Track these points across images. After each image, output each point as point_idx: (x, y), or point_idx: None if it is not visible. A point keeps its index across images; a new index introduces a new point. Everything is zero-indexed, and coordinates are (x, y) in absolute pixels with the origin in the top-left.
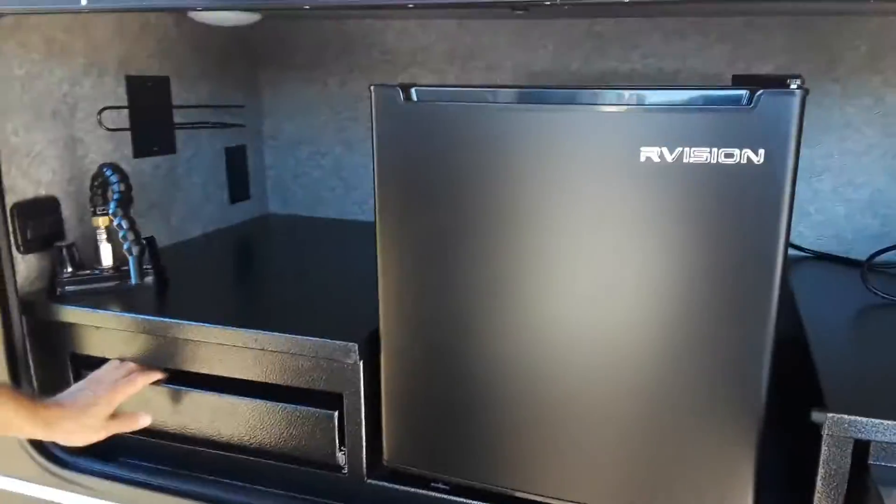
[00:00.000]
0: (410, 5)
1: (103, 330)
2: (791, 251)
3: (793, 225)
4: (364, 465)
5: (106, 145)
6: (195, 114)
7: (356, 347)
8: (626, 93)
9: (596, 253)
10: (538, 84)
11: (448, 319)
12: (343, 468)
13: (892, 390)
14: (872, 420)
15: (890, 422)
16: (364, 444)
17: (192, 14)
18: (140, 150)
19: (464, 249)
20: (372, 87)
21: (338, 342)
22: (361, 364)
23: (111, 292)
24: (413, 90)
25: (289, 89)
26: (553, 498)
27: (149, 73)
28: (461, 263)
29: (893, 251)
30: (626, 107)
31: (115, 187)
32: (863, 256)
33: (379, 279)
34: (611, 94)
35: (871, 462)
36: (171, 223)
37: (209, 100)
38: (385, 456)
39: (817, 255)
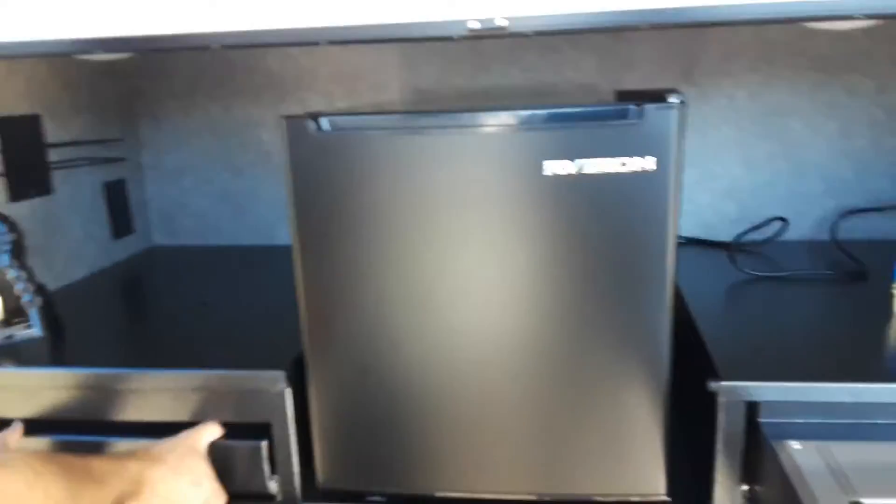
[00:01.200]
0: (320, 43)
1: (2, 389)
2: None
3: None
4: (298, 490)
5: None
6: (71, 151)
7: (283, 375)
8: (529, 112)
9: (508, 264)
10: (426, 100)
11: (370, 337)
12: (276, 496)
13: (771, 355)
14: (759, 383)
15: (774, 383)
16: (296, 469)
17: None
18: (16, 195)
19: (383, 268)
20: (284, 119)
21: (264, 372)
22: (289, 391)
23: (3, 347)
24: (323, 120)
25: (169, 118)
26: (482, 492)
27: (18, 112)
28: (380, 283)
29: (751, 232)
30: (528, 124)
31: (4, 237)
32: (727, 238)
33: (300, 303)
34: (514, 114)
35: (760, 420)
36: (55, 267)
37: (85, 135)
38: (319, 478)
39: (689, 240)
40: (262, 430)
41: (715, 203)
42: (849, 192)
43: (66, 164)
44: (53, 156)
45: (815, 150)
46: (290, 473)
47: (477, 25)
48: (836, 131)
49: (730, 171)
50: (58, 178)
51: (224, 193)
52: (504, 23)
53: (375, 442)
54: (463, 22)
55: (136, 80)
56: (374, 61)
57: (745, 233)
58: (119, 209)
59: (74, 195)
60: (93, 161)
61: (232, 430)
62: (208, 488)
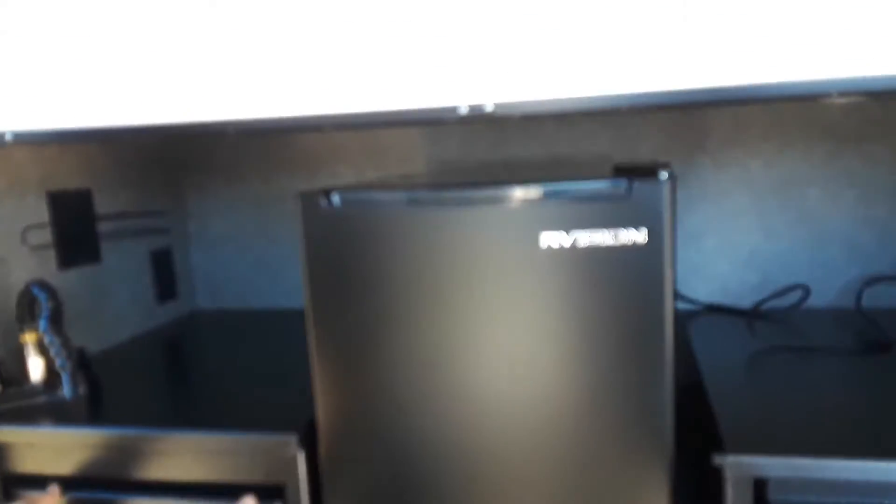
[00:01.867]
0: (325, 129)
1: (37, 447)
2: (686, 305)
3: (685, 280)
4: None
5: (29, 261)
6: (119, 222)
7: (295, 439)
8: (525, 188)
9: (509, 331)
10: (449, 171)
11: (380, 402)
12: None
13: (783, 429)
14: (768, 458)
15: (784, 458)
16: None
17: None
18: (65, 262)
19: (391, 337)
20: (299, 195)
21: (277, 435)
22: (302, 454)
23: (42, 407)
24: (333, 196)
25: (212, 189)
26: None
27: (70, 186)
28: (389, 350)
29: (772, 300)
30: (525, 199)
31: (45, 304)
32: (748, 306)
33: (313, 370)
34: (512, 189)
35: (770, 498)
36: (100, 330)
37: (132, 206)
38: None
39: (709, 307)
40: (278, 492)
41: (736, 271)
42: (872, 259)
43: (113, 235)
44: (102, 227)
45: (836, 218)
46: None
47: (466, 111)
48: (855, 199)
49: (749, 240)
50: (106, 247)
51: (261, 260)
52: (491, 108)
53: (387, 502)
54: (454, 108)
55: (182, 155)
56: (401, 135)
57: (765, 300)
58: (164, 275)
59: (121, 263)
60: (139, 232)
61: (250, 491)
62: None
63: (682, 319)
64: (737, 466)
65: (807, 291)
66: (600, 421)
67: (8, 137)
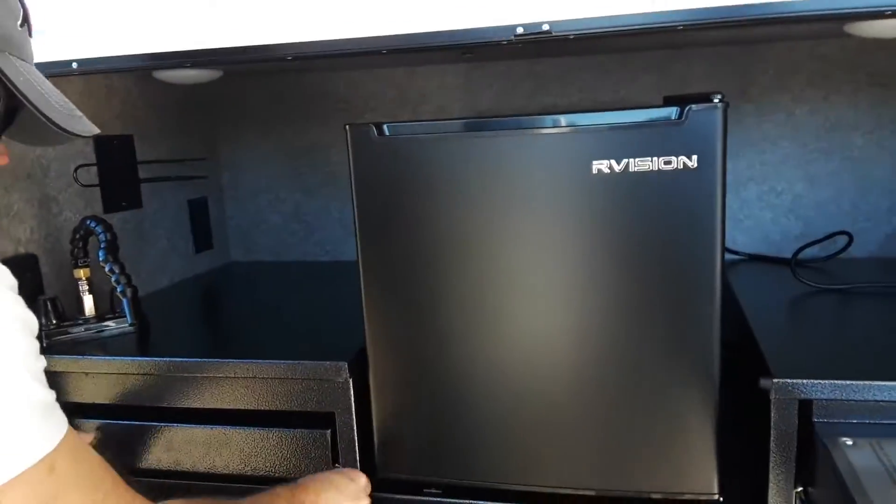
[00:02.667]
0: (384, 51)
1: (92, 376)
2: (727, 255)
3: (727, 232)
4: None
5: (78, 202)
6: (158, 169)
7: (346, 366)
8: (579, 116)
9: (559, 259)
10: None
11: (429, 332)
12: None
13: (827, 357)
14: (812, 381)
15: (827, 381)
16: (357, 458)
17: (156, 73)
18: (109, 206)
19: (439, 266)
20: (347, 126)
21: (328, 363)
22: (351, 382)
23: (96, 340)
24: (385, 126)
25: (246, 141)
26: (535, 485)
27: (114, 132)
28: (438, 279)
29: (813, 246)
30: (578, 128)
31: (102, 236)
32: (790, 255)
33: (363, 297)
34: (566, 118)
35: (815, 420)
36: (141, 275)
37: (170, 156)
38: (378, 467)
39: (751, 256)
40: (326, 421)
41: (778, 219)
42: None
43: (155, 180)
44: (142, 173)
45: (880, 166)
46: (353, 462)
47: (522, 31)
48: None
49: (792, 188)
50: (146, 193)
51: (296, 212)
52: (547, 27)
53: (433, 433)
54: (511, 27)
55: (218, 106)
56: (437, 84)
57: (807, 246)
58: (201, 225)
59: (161, 210)
60: (179, 178)
61: (298, 420)
62: None
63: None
64: (782, 389)
65: (850, 238)
66: (650, 343)
67: (74, 66)
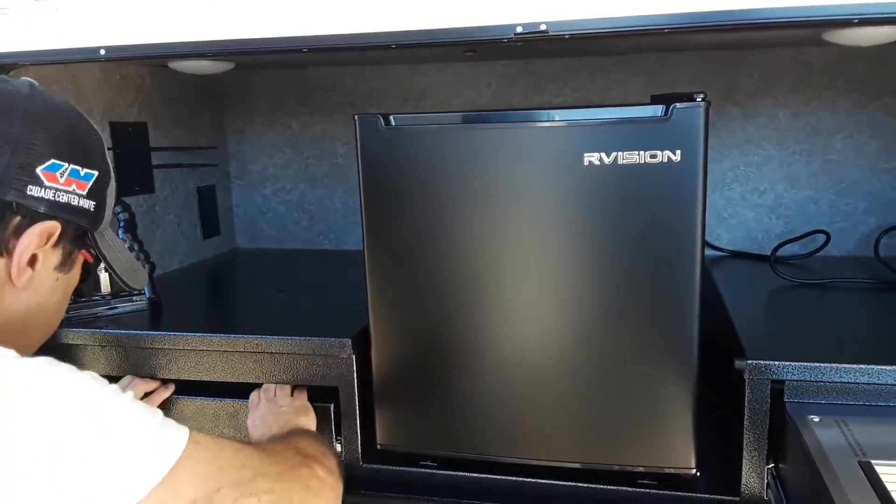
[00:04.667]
0: (393, 45)
1: (109, 348)
2: (710, 251)
3: (711, 229)
4: (360, 451)
5: None
6: (170, 156)
7: (349, 342)
8: (572, 111)
9: (552, 244)
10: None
11: (428, 310)
12: (340, 455)
13: (799, 342)
14: (783, 363)
15: (797, 363)
16: (359, 431)
17: (172, 63)
18: (123, 190)
19: (439, 249)
20: (356, 117)
21: (333, 339)
22: (354, 358)
23: (111, 316)
24: (392, 117)
25: (254, 132)
26: (525, 458)
27: (129, 119)
28: (437, 262)
29: (794, 244)
30: (571, 122)
31: (121, 215)
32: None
33: (367, 279)
34: (560, 113)
35: (786, 400)
36: (151, 258)
37: (181, 143)
38: (378, 440)
39: (734, 253)
40: (330, 395)
41: (760, 218)
42: (891, 210)
43: (167, 166)
44: (155, 160)
45: (858, 169)
46: (354, 435)
47: (521, 30)
48: (877, 150)
49: (774, 188)
50: (158, 179)
51: (301, 201)
52: (544, 27)
53: (430, 409)
54: (510, 27)
55: (226, 97)
56: (438, 81)
57: (785, 243)
58: (208, 212)
59: (171, 196)
60: (190, 165)
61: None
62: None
63: (707, 264)
64: (756, 369)
65: (827, 237)
66: (633, 324)
67: (102, 52)
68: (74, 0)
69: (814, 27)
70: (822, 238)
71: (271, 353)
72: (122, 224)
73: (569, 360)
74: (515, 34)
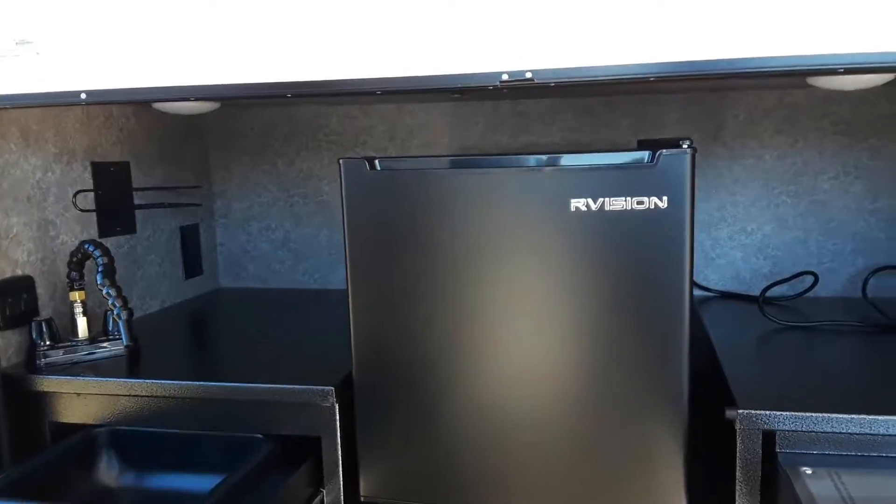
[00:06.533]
0: (378, 92)
1: (83, 396)
2: (699, 291)
3: (699, 268)
4: (342, 502)
5: (75, 226)
6: (153, 196)
7: (333, 391)
8: (559, 156)
9: (539, 290)
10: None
11: (414, 359)
12: None
13: (791, 390)
14: (775, 412)
15: (789, 412)
16: (341, 483)
17: (156, 104)
18: (104, 231)
19: (425, 294)
20: (341, 161)
21: (316, 388)
22: (337, 407)
23: (88, 362)
24: (377, 160)
25: (239, 171)
26: None
27: (112, 158)
28: (423, 307)
29: (782, 285)
30: (558, 167)
31: (100, 260)
32: (759, 293)
33: (351, 325)
34: (547, 158)
35: (777, 450)
36: (132, 299)
37: (164, 182)
38: (361, 491)
39: (722, 293)
40: (312, 446)
41: (748, 258)
42: (878, 250)
43: (149, 206)
44: (138, 199)
45: (845, 209)
46: (337, 486)
47: (507, 78)
48: (863, 191)
49: (761, 228)
50: (140, 219)
51: (285, 239)
52: (530, 75)
53: (415, 456)
54: (496, 74)
55: (212, 135)
56: (425, 121)
57: (774, 285)
58: (191, 251)
59: (153, 236)
60: (173, 205)
61: (286, 446)
62: None
63: (695, 305)
64: (747, 419)
65: (816, 278)
66: (621, 373)
67: (83, 97)
68: (56, 43)
69: (800, 76)
70: (810, 279)
71: (252, 401)
72: (100, 269)
73: (556, 407)
74: (501, 82)
